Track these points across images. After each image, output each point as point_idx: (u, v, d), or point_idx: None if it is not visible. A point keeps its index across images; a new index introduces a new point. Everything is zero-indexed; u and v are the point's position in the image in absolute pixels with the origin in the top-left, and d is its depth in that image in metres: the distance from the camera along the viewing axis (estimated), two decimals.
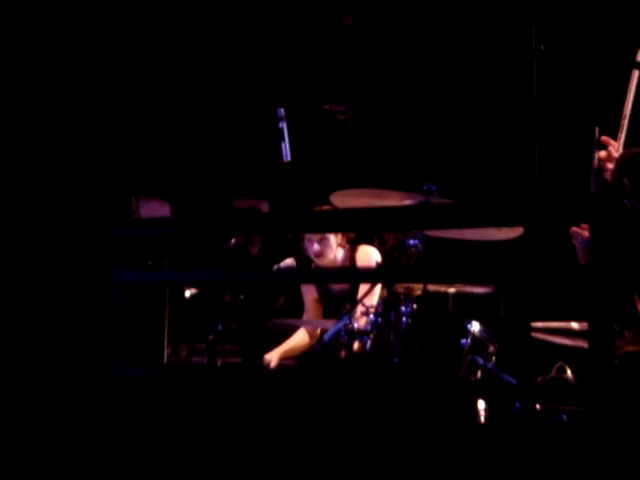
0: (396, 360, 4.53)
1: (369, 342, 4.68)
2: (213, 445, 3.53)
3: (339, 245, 5.65)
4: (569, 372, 4.84)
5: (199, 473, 3.52)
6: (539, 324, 4.79)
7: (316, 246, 5.56)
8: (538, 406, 4.39)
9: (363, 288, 5.11)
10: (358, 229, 5.07)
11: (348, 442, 3.52)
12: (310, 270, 5.58)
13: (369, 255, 5.61)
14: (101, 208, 5.76)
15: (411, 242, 4.64)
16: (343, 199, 4.69)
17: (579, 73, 5.04)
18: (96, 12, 5.82)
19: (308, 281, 5.21)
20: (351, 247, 5.71)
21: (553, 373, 4.90)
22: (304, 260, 5.75)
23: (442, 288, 4.98)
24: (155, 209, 6.24)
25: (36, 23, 5.67)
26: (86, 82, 5.81)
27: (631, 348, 4.17)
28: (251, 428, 3.51)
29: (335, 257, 5.65)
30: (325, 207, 5.13)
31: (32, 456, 4.14)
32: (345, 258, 5.69)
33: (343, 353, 4.75)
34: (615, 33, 4.98)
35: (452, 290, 5.19)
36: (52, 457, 4.18)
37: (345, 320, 4.70)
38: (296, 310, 6.02)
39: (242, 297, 5.94)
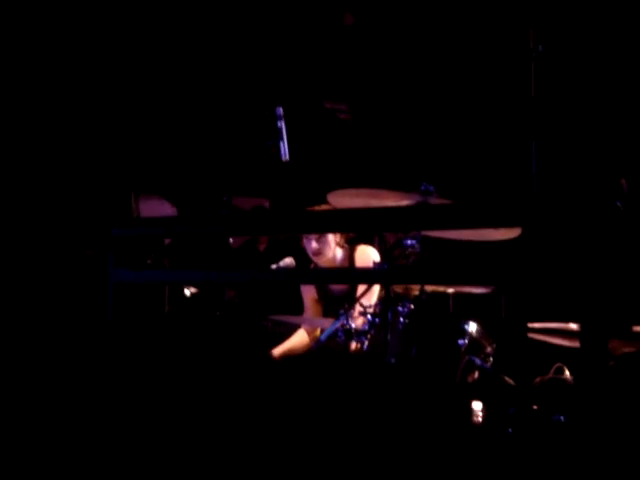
0: (393, 360, 4.53)
1: (366, 342, 4.67)
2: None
3: (338, 244, 5.65)
4: (567, 373, 4.84)
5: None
6: (537, 325, 4.79)
7: (314, 244, 5.55)
8: (536, 407, 4.39)
9: (362, 288, 5.11)
10: (355, 229, 5.07)
11: (344, 442, 3.52)
12: (306, 270, 5.58)
13: (368, 255, 5.60)
14: (101, 207, 5.76)
15: (409, 242, 4.63)
16: (340, 199, 4.68)
17: (577, 74, 5.03)
18: (95, 8, 5.82)
19: (303, 281, 5.21)
20: (350, 247, 5.70)
21: (551, 374, 4.90)
22: (303, 259, 5.75)
23: (440, 288, 4.98)
24: (155, 208, 6.24)
25: (28, 16, 5.67)
26: (86, 80, 5.81)
27: (627, 349, 4.17)
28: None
29: (334, 256, 5.64)
30: (323, 206, 5.12)
31: None
32: (344, 258, 5.68)
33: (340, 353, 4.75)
34: (613, 33, 4.97)
35: (450, 290, 5.19)
36: None
37: (342, 320, 4.70)
38: (296, 309, 6.02)
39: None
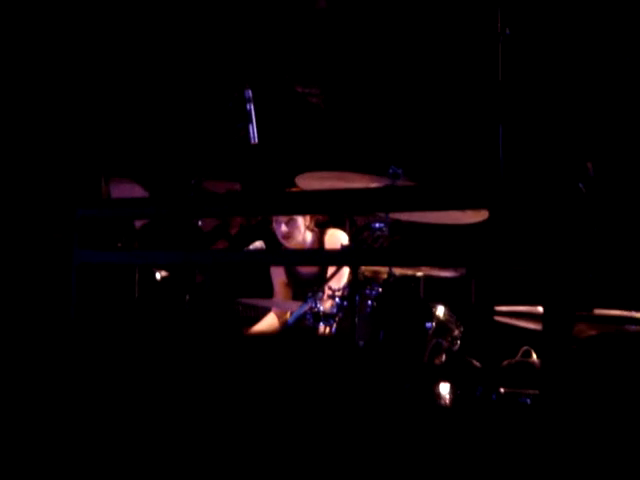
0: (361, 343, 4.54)
1: (334, 325, 4.68)
2: None
3: (307, 228, 5.65)
4: (535, 356, 4.87)
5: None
6: (505, 308, 4.81)
7: (283, 227, 5.55)
8: (503, 389, 4.42)
9: (331, 271, 5.12)
10: (322, 211, 5.07)
11: (311, 423, 3.53)
12: (274, 252, 5.57)
13: (337, 238, 5.61)
14: (68, 189, 5.73)
15: (377, 225, 4.64)
16: (309, 182, 4.68)
17: (544, 57, 5.04)
18: None
19: (272, 263, 5.21)
20: (320, 230, 5.71)
21: (519, 357, 4.92)
22: (274, 243, 5.75)
23: (409, 271, 4.98)
24: (126, 191, 6.22)
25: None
26: (53, 59, 5.76)
27: (592, 332, 4.19)
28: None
29: (304, 240, 5.65)
30: (292, 190, 5.12)
31: None
32: (314, 241, 5.69)
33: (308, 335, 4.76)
34: (580, 16, 4.99)
35: (420, 274, 5.20)
36: None
37: (311, 303, 4.71)
38: (266, 292, 6.03)
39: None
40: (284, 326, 4.96)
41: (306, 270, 5.69)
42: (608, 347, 3.49)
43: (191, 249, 4.85)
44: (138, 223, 6.20)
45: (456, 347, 4.80)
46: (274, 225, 5.62)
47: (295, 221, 5.56)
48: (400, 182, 4.58)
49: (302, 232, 5.63)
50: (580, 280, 3.18)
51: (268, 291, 6.00)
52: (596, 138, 4.61)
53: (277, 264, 5.43)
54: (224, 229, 6.84)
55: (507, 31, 4.08)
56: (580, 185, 2.86)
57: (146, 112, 6.24)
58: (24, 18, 5.61)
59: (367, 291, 4.69)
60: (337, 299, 4.72)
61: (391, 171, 4.57)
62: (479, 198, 3.16)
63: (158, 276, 5.92)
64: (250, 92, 4.77)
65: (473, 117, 5.33)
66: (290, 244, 5.59)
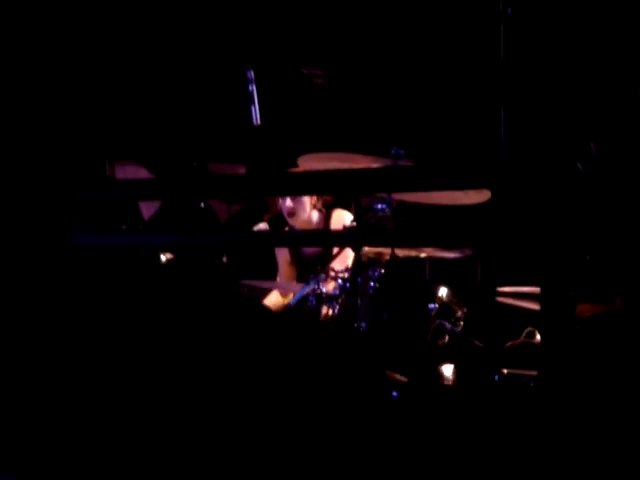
0: (363, 325, 4.54)
1: (337, 307, 4.69)
2: None
3: (314, 206, 5.66)
4: (538, 337, 4.86)
5: None
6: (508, 289, 4.80)
7: (289, 202, 5.56)
8: (505, 371, 4.42)
9: (335, 252, 5.12)
10: (325, 191, 5.07)
11: (313, 407, 3.54)
12: (277, 233, 5.58)
13: (343, 219, 5.61)
14: (71, 173, 5.73)
15: (379, 206, 4.64)
16: (311, 163, 4.68)
17: (547, 37, 5.02)
18: None
19: (275, 244, 5.22)
20: (327, 211, 5.72)
21: (522, 338, 4.92)
22: (278, 223, 5.76)
23: (413, 253, 4.98)
24: (130, 173, 6.22)
25: None
26: (55, 47, 5.76)
27: (598, 310, 4.18)
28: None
29: (310, 218, 5.66)
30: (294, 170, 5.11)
31: None
32: (320, 221, 5.71)
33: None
34: None
35: (423, 255, 5.19)
36: None
37: (313, 284, 4.71)
38: (270, 273, 6.03)
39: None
40: (287, 307, 4.97)
41: (310, 250, 5.70)
42: (606, 326, 3.49)
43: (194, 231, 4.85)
44: (147, 213, 6.22)
45: (459, 328, 4.80)
46: (279, 202, 5.63)
47: (300, 198, 5.55)
48: (402, 163, 4.57)
49: (307, 210, 5.64)
50: (578, 261, 3.18)
51: (272, 272, 6.01)
52: (599, 118, 4.59)
53: (280, 245, 5.44)
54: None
55: (509, 11, 4.06)
56: (578, 165, 2.85)
57: (150, 94, 6.24)
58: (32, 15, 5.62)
59: (370, 272, 4.69)
60: (340, 280, 4.73)
61: (393, 152, 4.57)
62: (481, 178, 3.16)
63: (163, 258, 5.92)
64: (252, 73, 4.76)
65: (475, 98, 5.31)
66: (295, 222, 5.60)
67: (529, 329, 4.91)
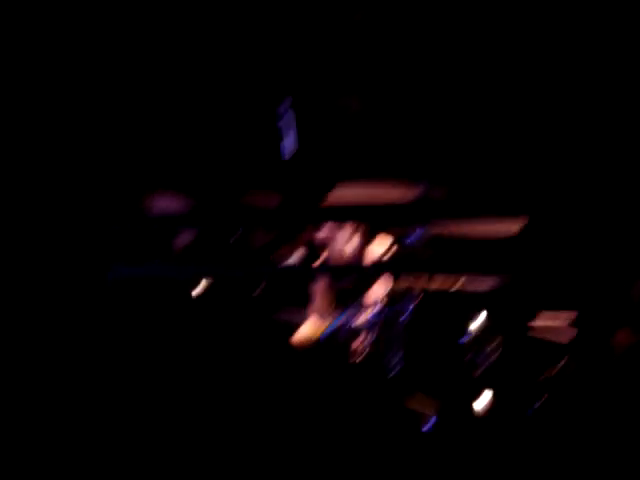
0: (394, 358, 4.54)
1: (368, 340, 4.68)
2: None
3: (350, 235, 5.65)
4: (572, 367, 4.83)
5: None
6: (541, 323, 4.78)
7: (327, 231, 5.55)
8: (539, 404, 4.41)
9: (368, 283, 5.11)
10: (361, 222, 5.08)
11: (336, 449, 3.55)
12: (306, 267, 5.59)
13: (379, 248, 5.60)
14: (109, 205, 5.76)
15: (411, 238, 4.64)
16: (345, 192, 4.69)
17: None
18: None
19: (308, 277, 5.23)
20: (364, 239, 5.71)
21: (557, 368, 4.89)
22: (311, 253, 5.76)
23: (444, 286, 4.96)
24: (167, 204, 6.24)
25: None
26: (92, 72, 5.80)
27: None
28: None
29: (344, 247, 5.66)
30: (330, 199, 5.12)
31: None
32: (357, 248, 5.69)
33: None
34: None
35: (455, 288, 5.17)
36: None
37: (345, 317, 4.71)
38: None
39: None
40: (318, 341, 4.96)
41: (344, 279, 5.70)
42: None
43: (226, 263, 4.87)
44: (179, 243, 6.24)
45: (493, 360, 4.78)
46: (313, 231, 5.63)
47: (334, 228, 5.54)
48: (436, 191, 4.57)
49: (343, 239, 5.63)
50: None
51: (305, 301, 6.00)
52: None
53: (312, 278, 5.44)
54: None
55: None
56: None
57: (188, 126, 6.28)
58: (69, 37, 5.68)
59: (403, 305, 4.68)
60: (372, 312, 4.72)
61: (426, 180, 4.57)
62: (518, 206, 3.17)
63: (194, 292, 5.94)
64: (285, 108, 4.79)
65: (506, 126, 5.29)
66: (332, 249, 5.59)
67: (563, 359, 4.88)
